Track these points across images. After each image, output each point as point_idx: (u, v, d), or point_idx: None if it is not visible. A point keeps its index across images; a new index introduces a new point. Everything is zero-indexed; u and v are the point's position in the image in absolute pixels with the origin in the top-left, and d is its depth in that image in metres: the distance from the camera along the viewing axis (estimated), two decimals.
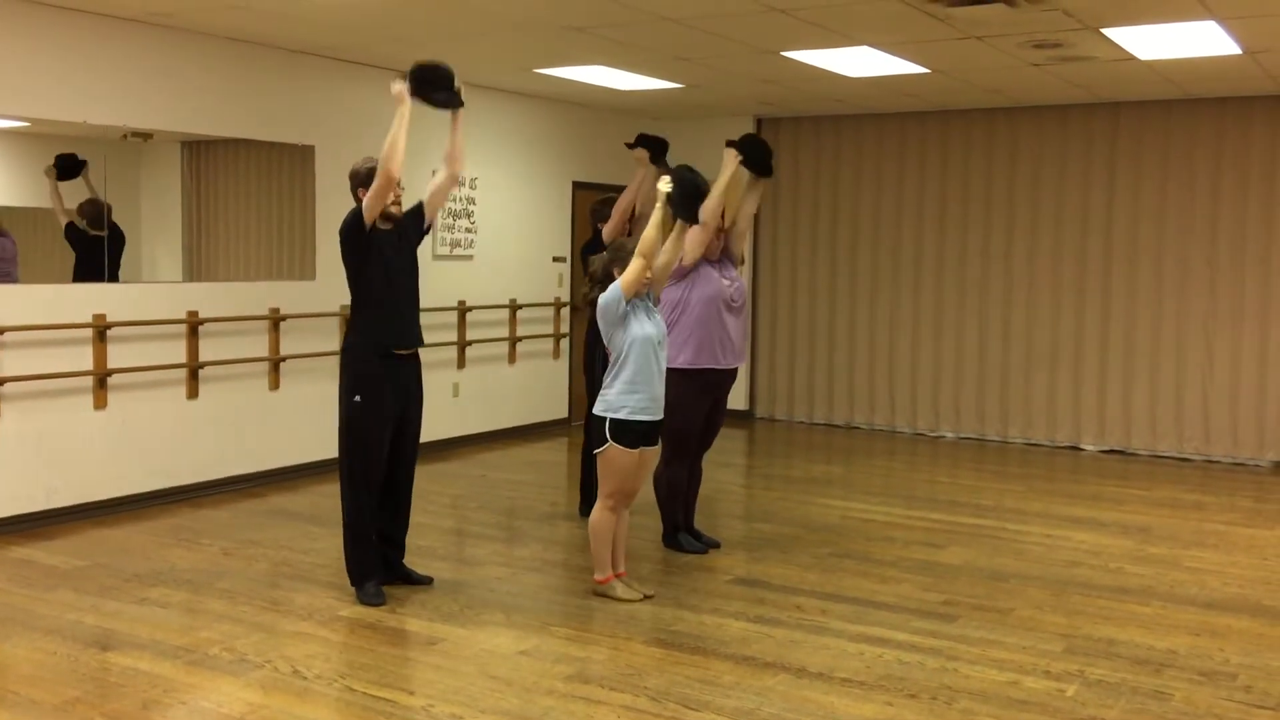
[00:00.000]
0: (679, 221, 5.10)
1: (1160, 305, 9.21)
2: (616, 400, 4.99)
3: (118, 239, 6.86)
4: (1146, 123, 9.16)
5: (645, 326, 4.99)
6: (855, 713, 3.93)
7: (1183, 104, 9.01)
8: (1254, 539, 6.55)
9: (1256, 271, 8.87)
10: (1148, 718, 3.93)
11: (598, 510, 5.11)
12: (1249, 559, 6.09)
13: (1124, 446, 9.39)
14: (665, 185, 5.01)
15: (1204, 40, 6.62)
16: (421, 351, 5.19)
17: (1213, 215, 8.99)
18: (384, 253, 4.96)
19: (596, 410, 5.06)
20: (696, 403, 5.84)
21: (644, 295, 5.03)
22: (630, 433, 4.98)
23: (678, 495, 6.02)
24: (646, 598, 5.13)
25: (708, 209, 5.35)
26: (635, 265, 4.88)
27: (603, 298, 4.97)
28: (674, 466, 5.92)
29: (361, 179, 4.96)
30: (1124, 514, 7.13)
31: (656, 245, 4.97)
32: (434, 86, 4.93)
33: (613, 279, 5.00)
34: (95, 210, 6.73)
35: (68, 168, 6.64)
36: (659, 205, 5.02)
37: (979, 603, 5.21)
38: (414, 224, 5.12)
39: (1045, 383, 9.67)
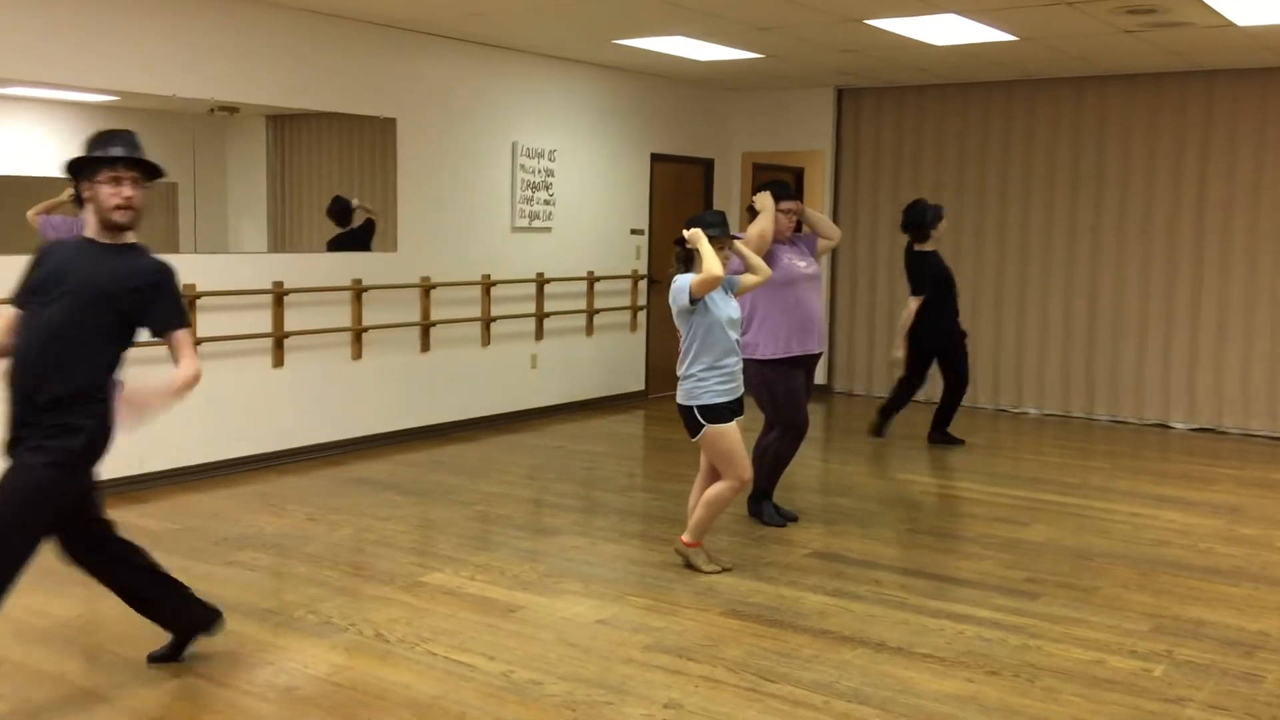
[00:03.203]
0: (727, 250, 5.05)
1: (1254, 279, 8.93)
2: (697, 387, 4.96)
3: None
4: (1243, 91, 8.86)
5: (721, 309, 4.96)
6: (935, 688, 3.89)
7: None
8: None
9: None
10: (1238, 700, 3.84)
11: (724, 486, 5.05)
12: None
13: (1215, 425, 9.15)
14: (689, 233, 4.94)
15: None
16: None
17: None
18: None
19: (680, 400, 5.04)
20: (787, 378, 5.82)
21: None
22: (720, 411, 4.98)
23: (780, 468, 6.03)
24: (725, 570, 5.13)
25: (751, 238, 5.52)
26: (709, 280, 4.80)
27: (675, 286, 4.94)
28: (785, 440, 5.93)
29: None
30: (1214, 494, 6.95)
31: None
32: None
33: (693, 261, 4.95)
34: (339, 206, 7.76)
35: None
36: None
37: (1063, 581, 5.11)
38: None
39: (1133, 358, 9.44)
